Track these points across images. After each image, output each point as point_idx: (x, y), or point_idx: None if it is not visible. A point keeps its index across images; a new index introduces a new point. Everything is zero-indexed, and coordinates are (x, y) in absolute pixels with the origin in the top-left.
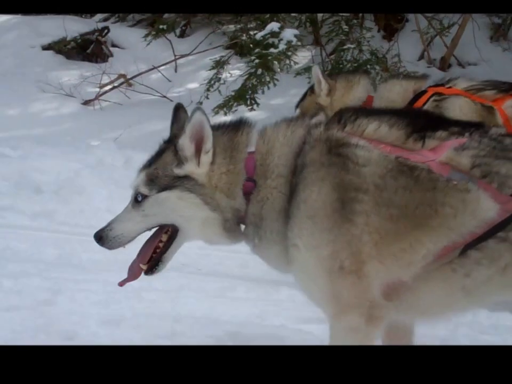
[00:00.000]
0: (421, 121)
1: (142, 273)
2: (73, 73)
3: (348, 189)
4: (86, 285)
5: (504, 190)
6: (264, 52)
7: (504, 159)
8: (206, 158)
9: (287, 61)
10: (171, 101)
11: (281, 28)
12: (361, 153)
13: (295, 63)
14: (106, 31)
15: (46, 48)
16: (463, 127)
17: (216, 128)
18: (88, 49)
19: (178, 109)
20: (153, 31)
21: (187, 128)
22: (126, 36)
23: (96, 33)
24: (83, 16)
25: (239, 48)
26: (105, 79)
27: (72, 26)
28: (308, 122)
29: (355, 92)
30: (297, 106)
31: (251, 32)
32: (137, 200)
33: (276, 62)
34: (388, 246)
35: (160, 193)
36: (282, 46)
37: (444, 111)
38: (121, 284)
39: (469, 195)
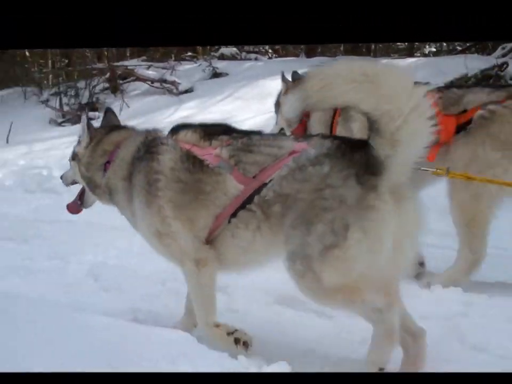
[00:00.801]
0: (212, 128)
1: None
2: None
3: (153, 173)
4: (497, 301)
5: (247, 174)
6: None
7: (247, 151)
8: (82, 143)
9: None
10: None
11: None
12: (163, 147)
13: None
14: (505, 66)
15: None
16: (245, 132)
17: (106, 128)
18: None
19: (107, 112)
20: None
21: (81, 124)
22: None
23: (496, 69)
24: (483, 53)
25: None
26: None
27: (472, 63)
28: (149, 131)
29: None
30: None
31: None
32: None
33: None
34: (183, 212)
35: (71, 161)
36: None
37: (350, 118)
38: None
39: (220, 177)
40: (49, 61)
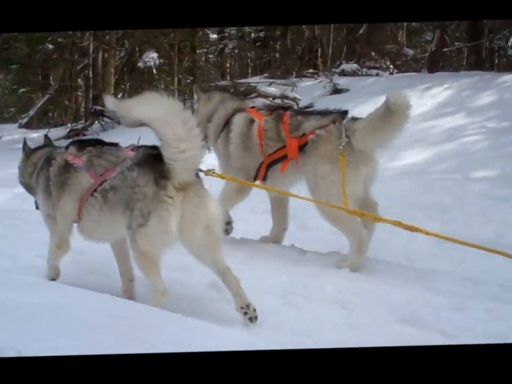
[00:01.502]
0: (85, 143)
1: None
2: None
3: (47, 179)
4: None
5: (97, 173)
6: None
7: (98, 157)
8: (21, 158)
9: None
10: None
11: None
12: (53, 161)
13: None
14: None
15: None
16: (103, 144)
17: (38, 147)
18: None
19: (45, 136)
20: None
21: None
22: None
23: None
24: None
25: None
26: None
27: None
28: (56, 148)
29: (208, 105)
30: None
31: None
32: None
33: None
34: (59, 203)
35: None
36: None
37: (231, 121)
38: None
39: (80, 174)
40: (175, 78)
